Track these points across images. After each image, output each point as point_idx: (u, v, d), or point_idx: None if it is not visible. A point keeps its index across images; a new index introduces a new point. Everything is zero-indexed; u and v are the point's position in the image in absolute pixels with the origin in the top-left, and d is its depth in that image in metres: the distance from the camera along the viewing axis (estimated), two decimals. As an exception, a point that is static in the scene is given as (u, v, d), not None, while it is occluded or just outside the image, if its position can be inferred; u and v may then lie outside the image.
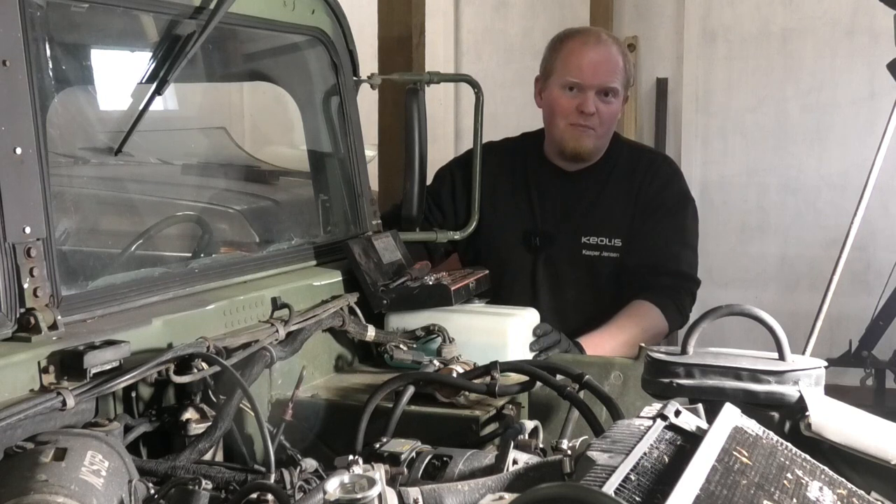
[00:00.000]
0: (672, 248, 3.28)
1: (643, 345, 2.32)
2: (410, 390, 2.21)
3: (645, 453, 1.37)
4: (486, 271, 2.97)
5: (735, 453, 1.44)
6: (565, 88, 3.25)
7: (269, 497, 1.64)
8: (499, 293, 3.10)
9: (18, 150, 1.84)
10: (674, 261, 3.27)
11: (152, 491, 1.71)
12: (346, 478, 1.46)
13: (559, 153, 3.34)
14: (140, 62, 2.44)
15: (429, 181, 3.24)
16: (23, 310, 1.83)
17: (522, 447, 1.90)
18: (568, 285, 3.31)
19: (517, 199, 3.37)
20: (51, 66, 2.10)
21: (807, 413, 1.67)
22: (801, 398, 1.71)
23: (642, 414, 1.52)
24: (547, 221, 3.34)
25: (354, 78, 2.96)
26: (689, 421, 1.51)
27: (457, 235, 3.24)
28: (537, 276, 3.32)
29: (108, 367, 1.84)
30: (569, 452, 1.66)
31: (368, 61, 3.45)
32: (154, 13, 2.37)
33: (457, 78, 3.38)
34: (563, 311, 3.19)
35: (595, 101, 3.21)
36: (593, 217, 3.30)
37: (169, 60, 2.36)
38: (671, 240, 3.29)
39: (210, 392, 2.06)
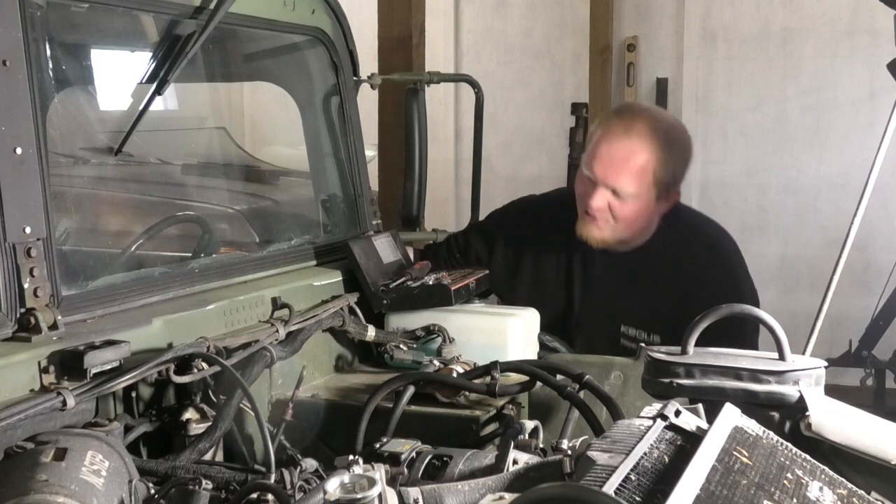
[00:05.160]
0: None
1: (643, 345, 2.31)
2: (410, 390, 2.21)
3: (645, 453, 1.37)
4: (486, 271, 2.96)
5: (735, 453, 1.44)
6: (582, 174, 2.95)
7: (270, 497, 1.64)
8: None
9: (18, 150, 1.84)
10: None
11: (152, 491, 1.72)
12: (346, 478, 1.46)
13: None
14: (140, 62, 2.45)
15: (429, 181, 3.23)
16: (23, 310, 1.83)
17: (522, 447, 1.90)
18: None
19: (557, 267, 3.08)
20: (51, 66, 2.10)
21: (807, 413, 1.67)
22: (801, 398, 1.71)
23: (642, 414, 1.52)
24: (586, 304, 3.05)
25: (354, 78, 2.96)
26: (690, 421, 1.51)
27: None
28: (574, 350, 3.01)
29: (108, 367, 1.84)
30: (569, 452, 1.66)
31: (368, 61, 3.45)
32: (154, 13, 2.37)
33: (457, 78, 3.39)
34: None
35: (605, 198, 2.87)
36: (636, 306, 2.99)
37: (169, 60, 2.36)
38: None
39: (210, 392, 2.06)
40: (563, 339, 2.98)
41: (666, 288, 2.95)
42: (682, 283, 2.94)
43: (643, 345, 2.79)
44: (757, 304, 2.91)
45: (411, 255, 3.05)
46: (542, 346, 2.76)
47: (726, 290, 2.89)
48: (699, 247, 3.02)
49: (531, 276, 3.07)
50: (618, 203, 2.87)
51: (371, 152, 3.59)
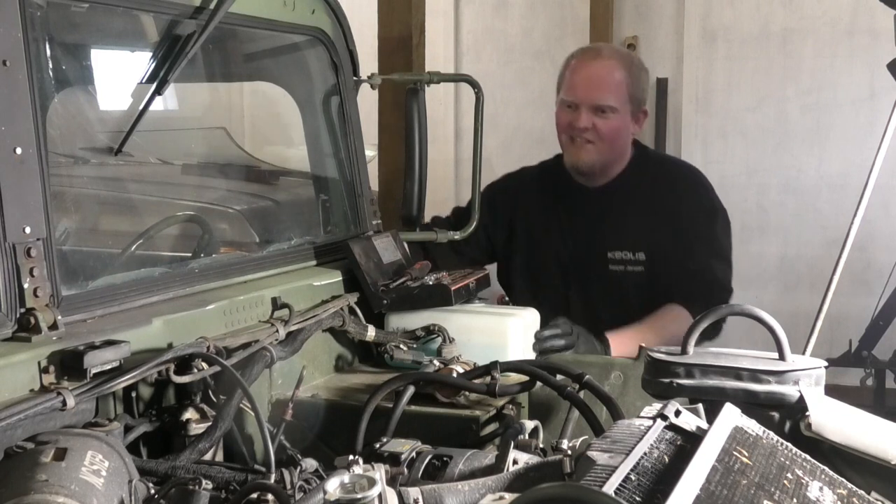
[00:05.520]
0: (701, 261, 3.25)
1: (643, 345, 2.32)
2: (410, 390, 2.21)
3: (645, 453, 1.37)
4: (486, 271, 2.96)
5: (735, 453, 1.44)
6: (564, 105, 3.32)
7: (270, 497, 1.64)
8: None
9: (18, 150, 1.84)
10: (706, 272, 3.26)
11: (152, 491, 1.71)
12: (346, 478, 1.46)
13: (572, 169, 3.39)
14: (140, 62, 2.45)
15: (429, 181, 3.23)
16: (23, 310, 1.83)
17: (522, 447, 1.90)
18: (599, 303, 3.31)
19: (549, 222, 3.40)
20: (51, 66, 2.10)
21: (807, 413, 1.67)
22: (801, 398, 1.71)
23: (642, 414, 1.52)
24: (576, 240, 3.37)
25: (354, 78, 2.96)
26: (690, 421, 1.51)
27: (457, 236, 3.23)
28: (570, 297, 3.34)
29: (108, 367, 1.84)
30: (569, 452, 1.66)
31: (368, 61, 3.45)
32: (154, 13, 2.37)
33: (457, 78, 3.39)
34: (597, 330, 3.07)
35: (590, 117, 3.25)
36: (617, 231, 3.31)
37: (169, 60, 2.36)
38: (701, 253, 3.27)
39: (210, 392, 2.06)
40: (561, 279, 3.34)
41: (644, 210, 3.30)
42: (658, 202, 3.30)
43: (629, 268, 3.28)
44: (727, 215, 3.41)
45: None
46: (542, 352, 2.74)
47: (699, 202, 3.35)
48: (670, 172, 3.45)
49: (526, 232, 3.39)
50: (601, 121, 3.25)
51: (371, 152, 3.59)
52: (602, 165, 3.33)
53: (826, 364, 1.79)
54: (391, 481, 1.72)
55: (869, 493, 1.58)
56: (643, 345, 2.33)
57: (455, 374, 2.35)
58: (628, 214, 3.32)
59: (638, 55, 3.57)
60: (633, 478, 1.31)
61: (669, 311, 3.15)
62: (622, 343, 2.96)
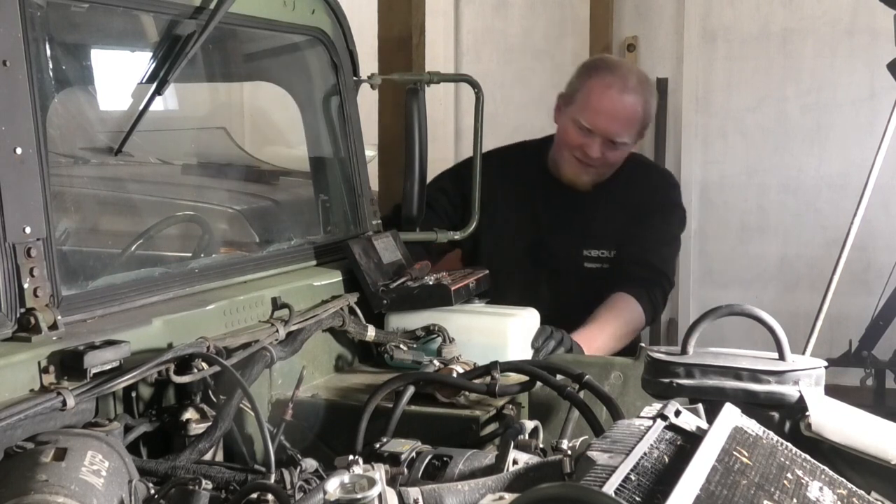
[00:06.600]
0: (649, 245, 3.38)
1: (643, 345, 2.32)
2: (410, 390, 2.22)
3: (645, 453, 1.37)
4: (486, 271, 2.96)
5: (735, 453, 1.44)
6: (577, 125, 3.32)
7: (270, 497, 1.64)
8: (499, 303, 3.06)
9: (18, 150, 1.84)
10: (649, 254, 3.37)
11: (152, 491, 1.71)
12: (346, 478, 1.46)
13: (559, 173, 3.45)
14: (140, 62, 2.45)
15: (429, 181, 3.24)
16: (23, 310, 1.83)
17: (522, 447, 1.90)
18: (570, 297, 3.35)
19: (519, 211, 3.44)
20: (51, 66, 2.10)
21: (807, 413, 1.67)
22: (801, 398, 1.71)
23: (642, 414, 1.52)
24: (550, 234, 3.42)
25: (354, 78, 2.97)
26: (689, 421, 1.51)
27: (457, 236, 3.24)
28: (540, 289, 3.37)
29: (108, 367, 1.84)
30: (569, 452, 1.66)
31: (368, 61, 3.45)
32: (154, 13, 2.37)
33: (457, 78, 3.39)
34: (566, 322, 3.08)
35: (602, 148, 3.30)
36: (594, 230, 3.39)
37: (169, 60, 2.36)
38: (650, 238, 3.39)
39: (210, 392, 2.06)
40: (532, 271, 3.39)
41: (616, 207, 3.40)
42: (628, 197, 3.41)
43: (605, 265, 3.38)
44: (685, 214, 3.61)
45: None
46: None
47: (663, 199, 3.49)
48: (641, 169, 3.56)
49: (497, 215, 3.39)
50: (612, 152, 3.32)
51: (371, 152, 3.59)
52: (596, 183, 3.42)
53: (826, 364, 1.79)
54: (391, 481, 1.72)
55: (869, 493, 1.58)
56: (642, 345, 2.33)
57: (455, 374, 2.35)
58: (605, 214, 3.41)
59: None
60: (633, 478, 1.31)
61: (617, 300, 3.21)
62: (589, 343, 2.99)
